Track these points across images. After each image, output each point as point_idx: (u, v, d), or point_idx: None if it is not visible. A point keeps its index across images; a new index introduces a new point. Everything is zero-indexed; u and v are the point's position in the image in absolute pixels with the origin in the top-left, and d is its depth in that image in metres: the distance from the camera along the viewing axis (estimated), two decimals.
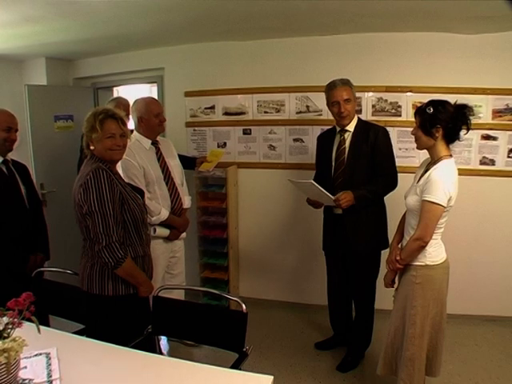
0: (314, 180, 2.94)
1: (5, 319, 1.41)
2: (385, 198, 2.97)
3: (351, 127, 2.94)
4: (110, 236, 2.04)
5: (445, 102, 2.21)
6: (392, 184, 2.88)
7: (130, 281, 2.17)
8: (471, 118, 2.18)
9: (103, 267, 2.12)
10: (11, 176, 2.80)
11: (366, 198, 2.83)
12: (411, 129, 2.33)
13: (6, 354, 1.31)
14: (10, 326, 1.40)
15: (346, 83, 2.88)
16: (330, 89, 2.90)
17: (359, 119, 3.00)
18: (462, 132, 2.19)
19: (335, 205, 2.84)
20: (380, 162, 2.87)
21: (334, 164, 2.98)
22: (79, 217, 2.08)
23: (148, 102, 3.04)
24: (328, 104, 2.96)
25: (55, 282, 2.55)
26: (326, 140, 3.11)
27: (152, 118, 2.97)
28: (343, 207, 2.81)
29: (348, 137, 2.95)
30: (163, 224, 3.01)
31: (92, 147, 2.12)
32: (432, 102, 2.23)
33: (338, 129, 3.00)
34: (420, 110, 2.26)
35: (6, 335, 1.38)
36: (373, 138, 2.87)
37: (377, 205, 2.97)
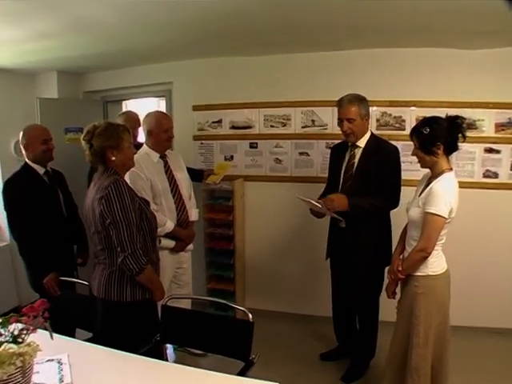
0: (324, 191, 3.14)
1: (19, 325, 1.46)
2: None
3: (362, 143, 2.93)
4: (135, 244, 2.10)
5: (438, 118, 2.25)
6: (392, 201, 2.84)
7: (148, 286, 2.23)
8: (464, 125, 2.22)
9: (122, 274, 2.17)
10: (52, 185, 2.96)
11: (362, 208, 2.82)
12: None
13: (21, 358, 1.36)
14: (25, 332, 1.45)
15: (353, 101, 2.84)
16: (338, 105, 2.92)
17: (372, 135, 2.97)
18: (459, 141, 2.23)
19: (327, 210, 2.87)
20: (384, 179, 2.85)
21: (342, 178, 2.99)
22: (99, 227, 2.13)
23: (159, 116, 3.08)
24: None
25: (77, 293, 2.65)
26: (338, 152, 3.11)
27: (161, 133, 2.99)
28: (330, 209, 2.83)
29: (358, 152, 2.94)
30: (169, 235, 3.05)
31: (113, 158, 2.17)
32: (426, 122, 2.27)
33: (350, 143, 2.99)
34: (416, 132, 2.29)
35: (20, 340, 1.43)
36: (382, 157, 2.87)
37: (380, 221, 2.96)
